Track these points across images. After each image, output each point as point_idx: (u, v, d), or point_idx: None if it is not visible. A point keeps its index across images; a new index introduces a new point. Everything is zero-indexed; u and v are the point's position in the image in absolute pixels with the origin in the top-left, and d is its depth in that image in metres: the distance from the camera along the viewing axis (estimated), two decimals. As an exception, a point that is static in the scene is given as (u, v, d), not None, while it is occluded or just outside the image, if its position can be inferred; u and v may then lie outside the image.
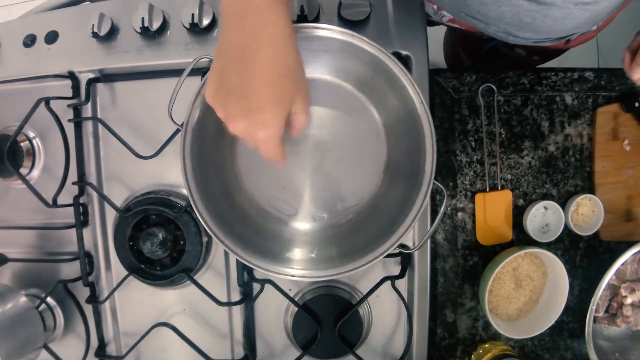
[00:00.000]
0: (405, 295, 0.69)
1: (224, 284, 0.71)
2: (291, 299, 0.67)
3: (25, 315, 0.67)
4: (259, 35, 0.41)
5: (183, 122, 0.57)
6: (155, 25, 0.68)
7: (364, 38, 0.56)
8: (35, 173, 0.73)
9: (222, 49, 0.42)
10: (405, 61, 0.67)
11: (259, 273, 0.69)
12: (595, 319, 0.69)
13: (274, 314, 0.71)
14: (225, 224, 0.58)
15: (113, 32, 0.70)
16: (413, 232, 0.69)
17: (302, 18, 0.65)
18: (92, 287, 0.72)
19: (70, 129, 0.70)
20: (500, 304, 0.71)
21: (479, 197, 0.71)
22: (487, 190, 0.71)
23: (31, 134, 0.73)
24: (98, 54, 0.70)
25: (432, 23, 0.80)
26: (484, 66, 0.85)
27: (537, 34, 0.59)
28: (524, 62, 0.82)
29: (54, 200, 0.68)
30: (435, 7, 0.69)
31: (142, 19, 0.67)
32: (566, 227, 0.71)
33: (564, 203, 0.72)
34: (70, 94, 0.71)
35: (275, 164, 0.46)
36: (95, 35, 0.69)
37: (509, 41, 0.63)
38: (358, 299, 0.68)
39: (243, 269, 0.69)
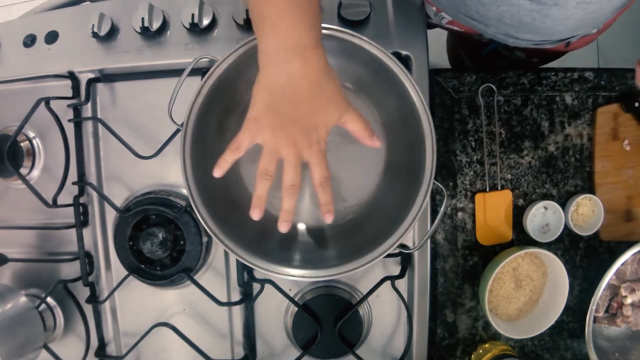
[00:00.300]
0: (405, 295, 0.69)
1: (224, 284, 0.71)
2: (291, 299, 0.67)
3: (25, 315, 0.67)
4: (307, 75, 0.49)
5: (183, 122, 0.57)
6: (155, 25, 0.68)
7: (364, 38, 0.56)
8: (35, 173, 0.73)
9: (270, 87, 0.50)
10: (405, 61, 0.67)
11: (259, 273, 0.69)
12: (595, 319, 0.69)
13: (274, 314, 0.71)
14: (225, 224, 0.58)
15: (113, 32, 0.70)
16: (413, 232, 0.69)
17: (302, 18, 0.65)
18: (92, 287, 0.72)
19: (70, 129, 0.70)
20: (500, 304, 0.71)
21: (479, 197, 0.71)
22: (487, 190, 0.71)
23: (31, 134, 0.73)
24: (98, 54, 0.70)
25: (432, 25, 0.80)
26: (484, 67, 0.85)
27: (537, 36, 0.59)
28: (523, 65, 0.81)
29: (54, 200, 0.68)
30: (434, 9, 0.69)
31: (142, 19, 0.67)
32: (566, 227, 0.71)
33: (564, 203, 0.72)
34: (70, 94, 0.71)
35: (324, 182, 0.53)
36: (95, 35, 0.69)
37: (509, 43, 0.63)
38: (358, 299, 0.68)
39: (243, 269, 0.69)
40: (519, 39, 0.60)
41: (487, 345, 0.71)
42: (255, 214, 0.53)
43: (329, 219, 0.54)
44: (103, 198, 0.69)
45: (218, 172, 0.54)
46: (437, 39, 1.01)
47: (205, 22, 0.67)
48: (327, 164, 0.53)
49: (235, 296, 0.71)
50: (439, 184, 0.59)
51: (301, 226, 0.66)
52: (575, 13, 0.52)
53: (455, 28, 0.72)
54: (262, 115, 0.50)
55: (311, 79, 0.49)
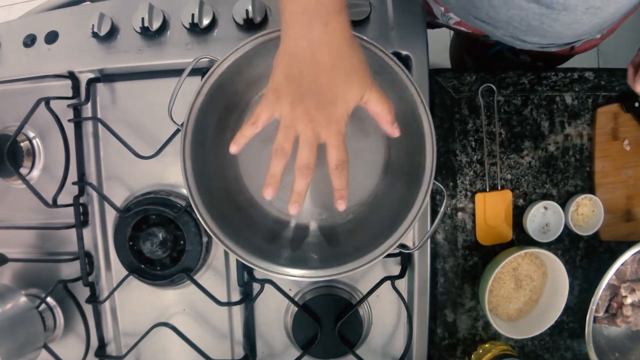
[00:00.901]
0: (405, 295, 0.69)
1: (224, 284, 0.71)
2: (291, 299, 0.67)
3: (25, 315, 0.67)
4: (328, 43, 0.46)
5: (183, 122, 0.57)
6: (155, 25, 0.68)
7: (364, 38, 0.56)
8: (35, 173, 0.73)
9: (290, 55, 0.47)
10: (405, 61, 0.67)
11: (259, 273, 0.69)
12: (595, 319, 0.69)
13: (274, 314, 0.71)
14: (225, 224, 0.58)
15: (113, 32, 0.70)
16: (413, 232, 0.69)
17: (302, 18, 0.65)
18: (92, 287, 0.72)
19: (70, 129, 0.70)
20: (500, 304, 0.71)
21: (479, 197, 0.71)
22: (487, 190, 0.71)
23: (31, 134, 0.73)
24: (98, 54, 0.70)
25: (434, 25, 0.80)
26: (485, 67, 0.85)
27: (544, 39, 0.59)
28: (527, 68, 0.82)
29: (54, 200, 0.68)
30: (442, 9, 0.69)
31: (142, 19, 0.67)
32: (566, 227, 0.71)
33: (564, 203, 0.72)
34: (70, 94, 0.71)
35: (339, 165, 0.49)
36: (95, 35, 0.69)
37: (516, 46, 0.63)
38: (358, 299, 0.68)
39: (243, 269, 0.69)
40: (526, 41, 0.60)
41: (487, 345, 0.71)
42: (268, 193, 0.50)
43: (341, 206, 0.51)
44: (103, 198, 0.69)
45: (235, 148, 0.51)
46: (437, 39, 1.00)
47: (205, 22, 0.67)
48: (346, 147, 0.49)
49: (235, 296, 0.71)
50: (439, 184, 0.59)
51: (301, 226, 0.66)
52: (584, 18, 0.52)
53: (462, 29, 0.72)
54: (281, 87, 0.48)
55: (332, 47, 0.47)
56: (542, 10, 0.51)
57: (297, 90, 0.47)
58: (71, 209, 0.69)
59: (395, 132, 0.53)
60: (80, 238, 0.70)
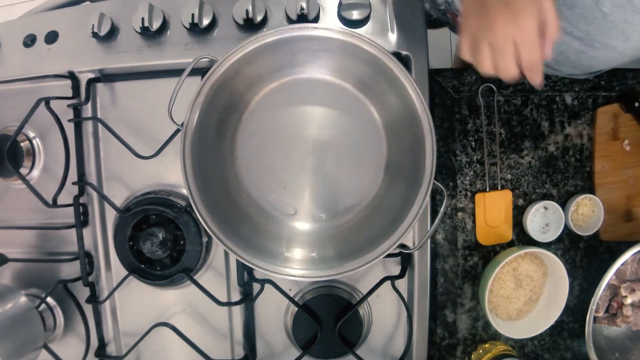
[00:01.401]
0: (405, 295, 0.69)
1: (224, 284, 0.71)
2: (291, 299, 0.67)
3: (25, 315, 0.67)
4: None
5: (183, 122, 0.57)
6: (155, 25, 0.68)
7: (364, 38, 0.56)
8: (35, 173, 0.73)
9: None
10: (405, 61, 0.67)
11: (259, 273, 0.69)
12: (595, 319, 0.69)
13: (274, 314, 0.71)
14: (225, 224, 0.58)
15: (113, 32, 0.70)
16: (413, 232, 0.68)
17: (302, 18, 0.65)
18: (92, 287, 0.72)
19: (70, 129, 0.70)
20: (500, 304, 0.71)
21: (479, 197, 0.71)
22: (487, 190, 0.71)
23: (31, 134, 0.73)
24: (98, 54, 0.70)
25: (437, 25, 0.80)
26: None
27: (576, 70, 0.61)
28: None
29: (54, 200, 0.67)
30: None
31: (142, 19, 0.67)
32: (566, 227, 0.71)
33: (564, 203, 0.72)
34: (70, 94, 0.71)
35: (534, 71, 0.47)
36: (95, 35, 0.69)
37: (547, 73, 0.64)
38: (358, 299, 0.68)
39: (243, 269, 0.69)
40: (558, 70, 0.62)
41: (487, 345, 0.71)
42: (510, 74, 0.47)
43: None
44: (103, 198, 0.69)
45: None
46: (437, 39, 1.00)
47: (205, 22, 0.67)
48: (537, 43, 0.45)
49: (235, 296, 0.71)
50: (439, 184, 0.59)
51: (301, 226, 0.66)
52: (618, 57, 0.55)
53: None
54: (470, 11, 0.47)
55: None
56: (582, 47, 0.53)
57: (487, 9, 0.45)
58: (71, 209, 0.69)
59: (547, 53, 0.47)
60: (80, 238, 0.70)
